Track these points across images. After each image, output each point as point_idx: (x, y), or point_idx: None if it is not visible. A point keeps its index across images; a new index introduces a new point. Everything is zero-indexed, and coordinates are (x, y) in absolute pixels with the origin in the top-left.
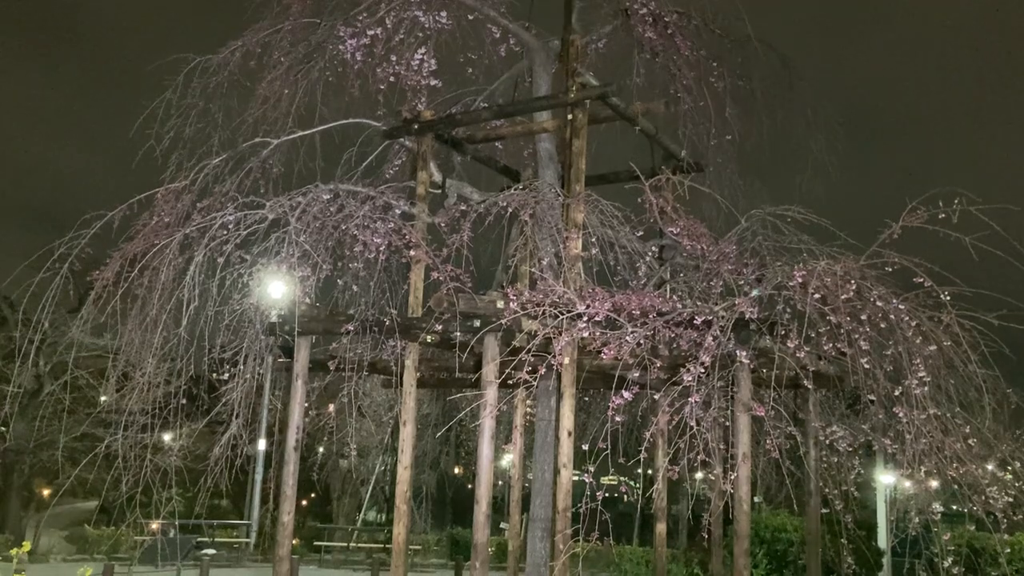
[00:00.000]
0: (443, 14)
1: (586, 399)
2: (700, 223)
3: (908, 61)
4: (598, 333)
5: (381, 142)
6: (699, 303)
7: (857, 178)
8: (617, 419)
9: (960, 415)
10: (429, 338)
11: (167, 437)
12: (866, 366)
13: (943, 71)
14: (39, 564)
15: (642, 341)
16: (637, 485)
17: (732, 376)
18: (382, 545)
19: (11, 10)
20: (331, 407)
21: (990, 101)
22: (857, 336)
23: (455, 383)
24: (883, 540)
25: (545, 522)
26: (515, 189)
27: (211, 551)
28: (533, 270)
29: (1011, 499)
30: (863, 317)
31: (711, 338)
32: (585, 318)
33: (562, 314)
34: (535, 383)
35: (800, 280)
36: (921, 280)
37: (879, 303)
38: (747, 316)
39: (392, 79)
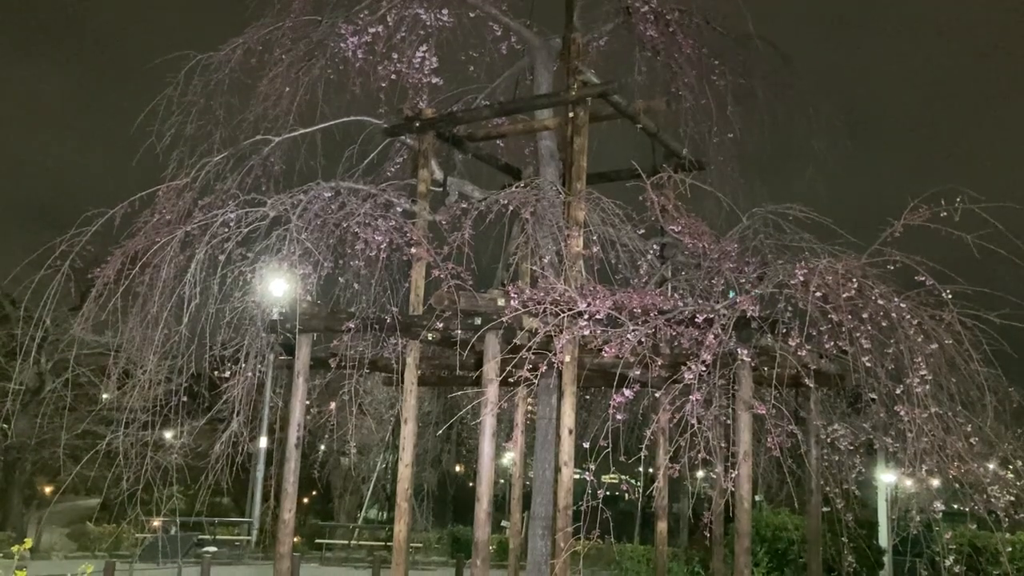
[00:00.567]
0: (444, 12)
1: (587, 397)
2: (701, 221)
3: (910, 59)
4: (599, 331)
5: (382, 140)
6: (700, 301)
7: (859, 176)
8: (618, 417)
9: (962, 414)
10: (430, 336)
11: (168, 434)
12: (867, 364)
13: (944, 70)
14: (41, 561)
15: (643, 339)
16: (638, 483)
17: (733, 374)
18: (383, 543)
19: (12, 8)
20: (332, 405)
21: (990, 101)
22: (858, 334)
23: (456, 381)
24: (884, 539)
25: (546, 520)
26: (516, 187)
27: (212, 548)
28: (534, 268)
29: (1012, 498)
30: (864, 315)
31: (712, 336)
32: (586, 316)
33: (563, 312)
34: (536, 381)
35: (801, 278)
36: (923, 278)
37: (880, 301)
38: (748, 314)
39: (393, 77)
